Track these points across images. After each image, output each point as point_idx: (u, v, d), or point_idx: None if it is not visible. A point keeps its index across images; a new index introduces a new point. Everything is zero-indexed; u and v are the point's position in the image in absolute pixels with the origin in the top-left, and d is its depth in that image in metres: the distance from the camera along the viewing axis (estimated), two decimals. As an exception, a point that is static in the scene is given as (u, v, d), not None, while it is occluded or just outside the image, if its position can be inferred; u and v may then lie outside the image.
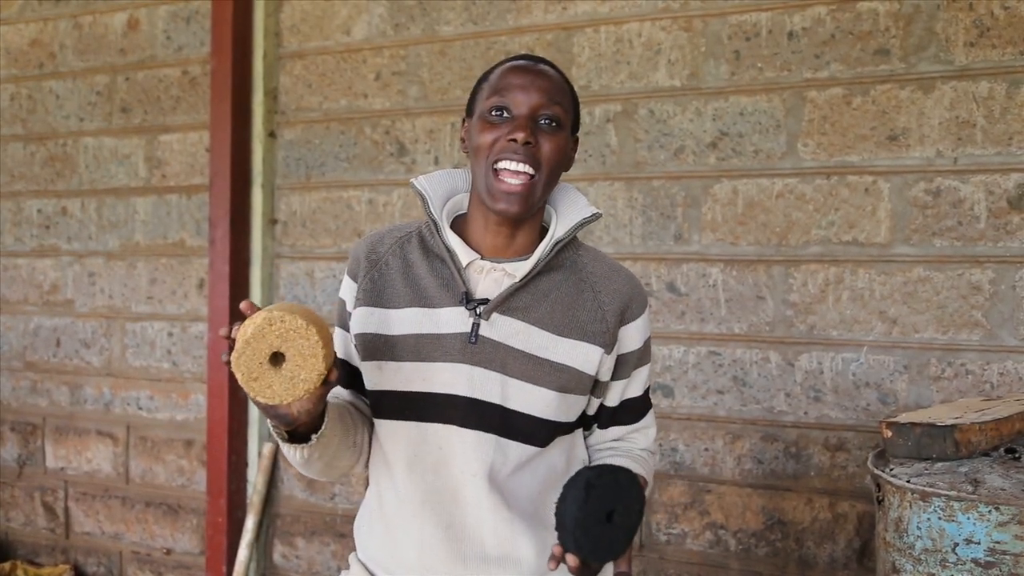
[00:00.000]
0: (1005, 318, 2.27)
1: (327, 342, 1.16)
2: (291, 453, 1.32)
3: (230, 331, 1.16)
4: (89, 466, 3.48)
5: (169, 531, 3.34)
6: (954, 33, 2.31)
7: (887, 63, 2.38)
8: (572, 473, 1.44)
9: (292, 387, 1.15)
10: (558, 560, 1.22)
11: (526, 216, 1.36)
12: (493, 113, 1.33)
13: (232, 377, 1.18)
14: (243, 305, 1.17)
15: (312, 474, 1.40)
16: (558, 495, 1.43)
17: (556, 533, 1.23)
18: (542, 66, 1.37)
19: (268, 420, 1.26)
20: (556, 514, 1.23)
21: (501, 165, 1.31)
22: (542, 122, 1.33)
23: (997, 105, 2.28)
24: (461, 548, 1.35)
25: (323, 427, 1.28)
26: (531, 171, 1.31)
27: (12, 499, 3.65)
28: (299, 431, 1.28)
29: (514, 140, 1.30)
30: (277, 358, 1.15)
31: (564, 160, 1.38)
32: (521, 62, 1.37)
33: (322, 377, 1.16)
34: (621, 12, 2.65)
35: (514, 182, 1.31)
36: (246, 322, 1.15)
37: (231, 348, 1.15)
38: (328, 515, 3.07)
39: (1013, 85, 2.26)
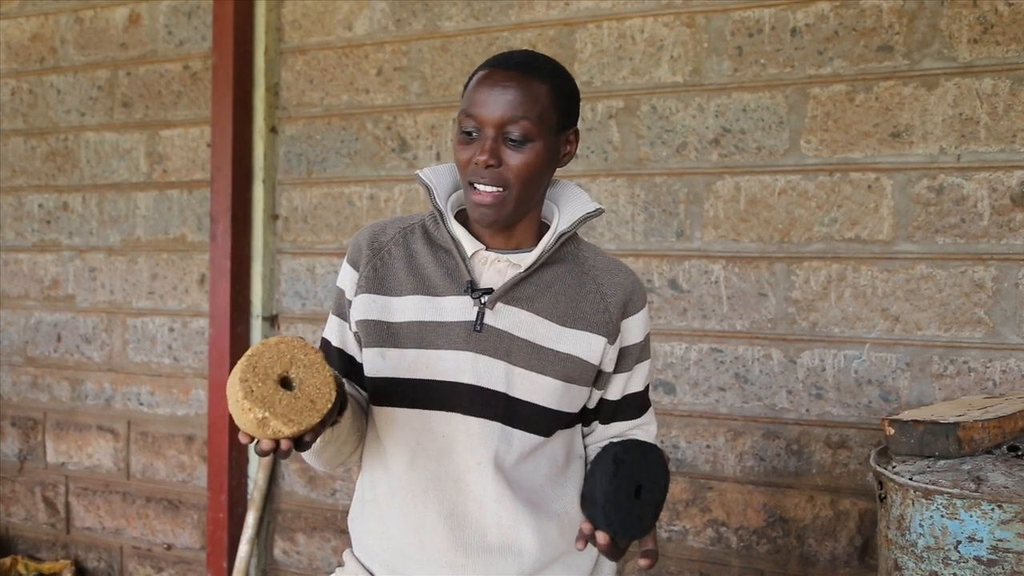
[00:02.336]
0: (1008, 316, 2.26)
1: (280, 337, 1.15)
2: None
3: (250, 438, 1.14)
4: (90, 461, 3.48)
5: (170, 527, 3.34)
6: (958, 30, 2.31)
7: (890, 60, 2.37)
8: (572, 467, 1.45)
9: (321, 373, 1.13)
10: (587, 538, 1.21)
11: (503, 225, 1.36)
12: (463, 131, 1.34)
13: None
14: (244, 439, 1.14)
15: (322, 463, 1.40)
16: (560, 488, 1.43)
17: (584, 512, 1.20)
18: (513, 75, 1.32)
19: None
20: (585, 491, 1.20)
21: (475, 185, 1.33)
22: (509, 139, 1.32)
23: (1001, 102, 2.27)
24: (463, 536, 1.35)
25: (345, 409, 1.29)
26: (500, 190, 1.32)
27: (13, 494, 3.65)
28: None
29: (477, 164, 1.31)
30: (287, 383, 1.12)
31: (543, 167, 1.35)
32: (490, 71, 1.34)
33: (308, 345, 1.15)
34: (623, 8, 2.64)
35: (485, 198, 1.32)
36: (242, 417, 1.10)
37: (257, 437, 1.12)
38: (329, 511, 3.07)
39: (1017, 82, 2.26)
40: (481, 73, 1.35)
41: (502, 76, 1.32)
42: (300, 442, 1.14)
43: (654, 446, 1.26)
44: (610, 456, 1.20)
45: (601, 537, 1.19)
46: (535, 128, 1.32)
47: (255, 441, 1.12)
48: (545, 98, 1.33)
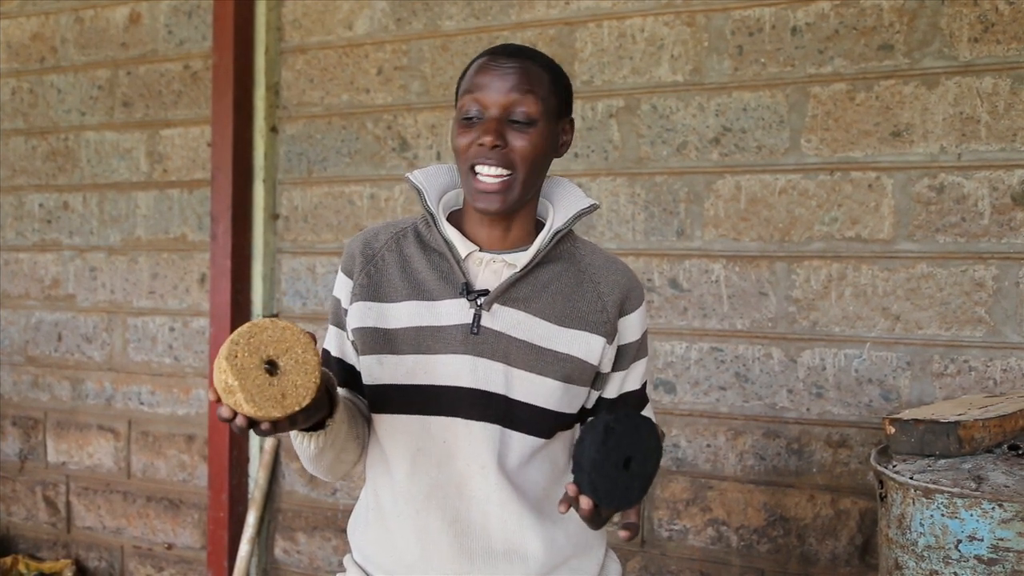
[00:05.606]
0: (1008, 315, 2.26)
1: (289, 324, 1.14)
2: (305, 444, 1.30)
3: (216, 397, 1.11)
4: (90, 461, 3.48)
5: (170, 526, 3.34)
6: (958, 28, 2.30)
7: (891, 59, 2.37)
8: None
9: (307, 375, 1.11)
10: (569, 502, 1.18)
11: (508, 212, 1.34)
12: (464, 117, 1.33)
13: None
14: (212, 395, 1.12)
15: (321, 470, 1.39)
16: (563, 490, 1.41)
17: (573, 475, 1.19)
18: (513, 60, 1.33)
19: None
20: (574, 456, 1.18)
21: (477, 169, 1.31)
22: (512, 120, 1.31)
23: (1001, 101, 2.27)
24: (467, 543, 1.34)
25: (336, 412, 1.27)
26: (506, 173, 1.31)
27: (13, 493, 3.66)
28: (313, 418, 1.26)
29: (483, 145, 1.29)
30: (272, 368, 1.11)
31: (546, 151, 1.35)
32: (489, 58, 1.34)
33: (312, 345, 1.13)
34: (623, 7, 2.64)
35: (491, 181, 1.30)
36: (217, 376, 1.09)
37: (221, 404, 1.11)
38: (329, 510, 3.07)
39: (1017, 81, 2.25)
40: (481, 60, 1.35)
41: (505, 60, 1.33)
42: (257, 427, 1.13)
43: (647, 419, 1.22)
44: (601, 424, 1.18)
45: (584, 502, 1.16)
46: (539, 109, 1.32)
47: (219, 405, 1.12)
48: (547, 82, 1.34)
